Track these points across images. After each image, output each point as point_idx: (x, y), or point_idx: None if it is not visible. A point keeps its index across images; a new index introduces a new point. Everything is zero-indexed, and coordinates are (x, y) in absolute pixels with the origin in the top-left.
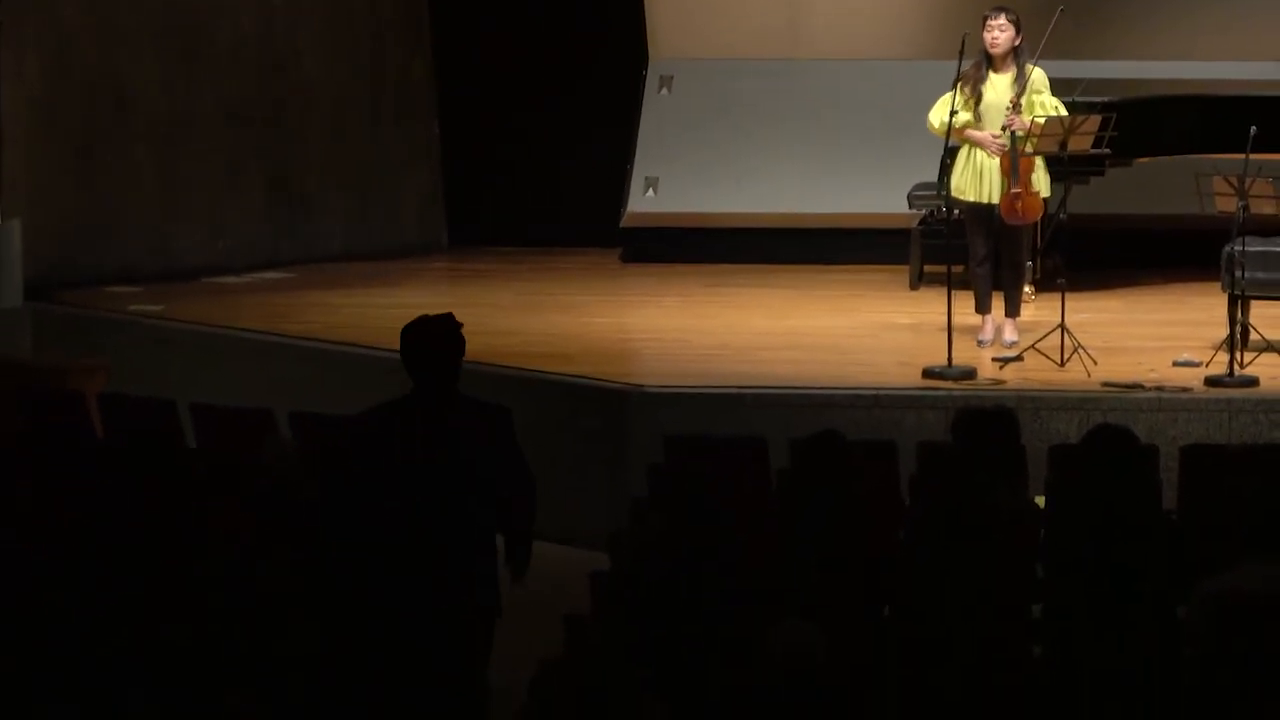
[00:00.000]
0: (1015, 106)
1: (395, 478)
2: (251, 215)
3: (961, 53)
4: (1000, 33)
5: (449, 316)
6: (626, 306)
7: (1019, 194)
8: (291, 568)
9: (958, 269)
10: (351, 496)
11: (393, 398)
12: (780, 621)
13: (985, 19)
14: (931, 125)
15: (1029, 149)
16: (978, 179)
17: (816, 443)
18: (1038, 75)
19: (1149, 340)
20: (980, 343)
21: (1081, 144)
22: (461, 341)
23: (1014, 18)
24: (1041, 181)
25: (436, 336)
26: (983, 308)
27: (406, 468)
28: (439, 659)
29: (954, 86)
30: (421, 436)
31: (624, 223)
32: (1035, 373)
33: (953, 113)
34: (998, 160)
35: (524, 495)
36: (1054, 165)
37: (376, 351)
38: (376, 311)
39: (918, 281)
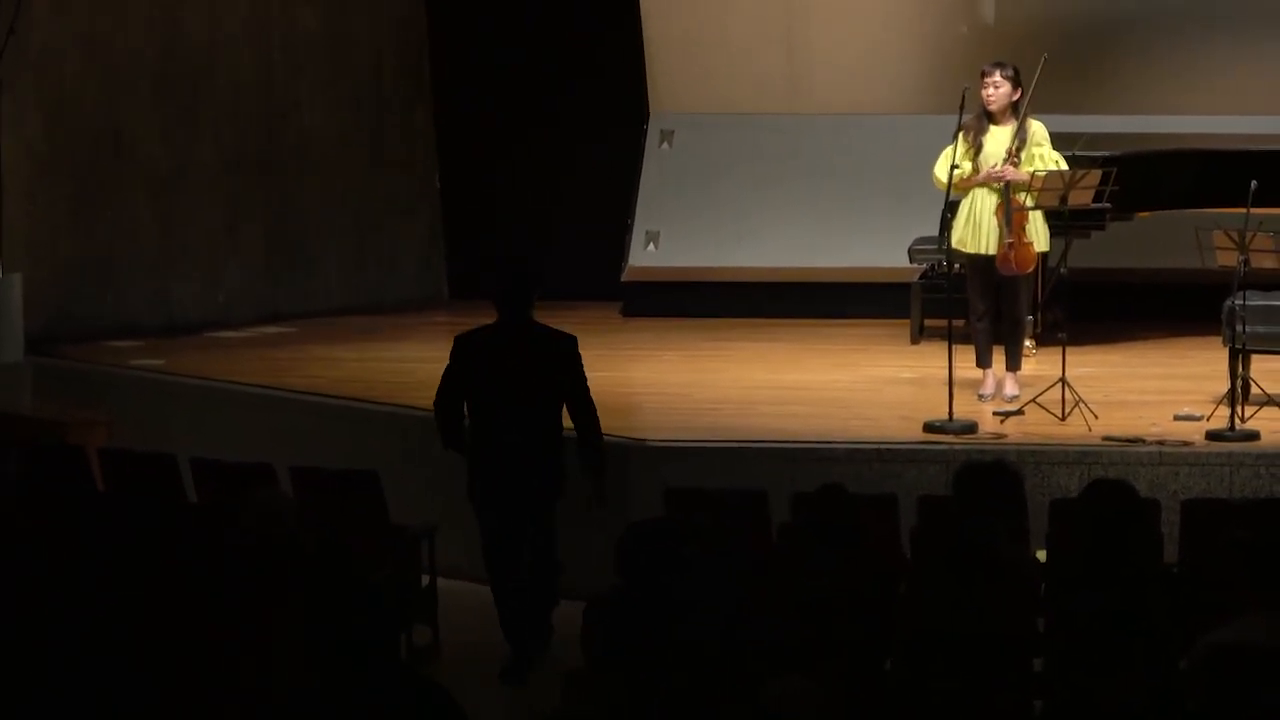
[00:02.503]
0: (1013, 157)
1: (487, 380)
2: (250, 267)
3: (962, 107)
4: (996, 89)
5: (525, 259)
6: (628, 360)
7: (1012, 244)
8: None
9: (958, 323)
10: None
11: (486, 324)
12: (777, 676)
13: (983, 74)
14: (937, 179)
15: (1030, 203)
16: (976, 230)
17: (819, 496)
18: (1038, 128)
19: (1150, 394)
20: (981, 397)
21: (1082, 198)
22: (537, 278)
23: (1010, 73)
24: (1039, 234)
25: (517, 276)
26: (983, 362)
27: (494, 373)
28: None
29: (954, 138)
30: (506, 350)
31: (625, 277)
32: (1036, 427)
33: (954, 166)
34: (994, 212)
35: (590, 406)
36: (1055, 219)
37: (380, 406)
38: (378, 365)
39: (919, 336)
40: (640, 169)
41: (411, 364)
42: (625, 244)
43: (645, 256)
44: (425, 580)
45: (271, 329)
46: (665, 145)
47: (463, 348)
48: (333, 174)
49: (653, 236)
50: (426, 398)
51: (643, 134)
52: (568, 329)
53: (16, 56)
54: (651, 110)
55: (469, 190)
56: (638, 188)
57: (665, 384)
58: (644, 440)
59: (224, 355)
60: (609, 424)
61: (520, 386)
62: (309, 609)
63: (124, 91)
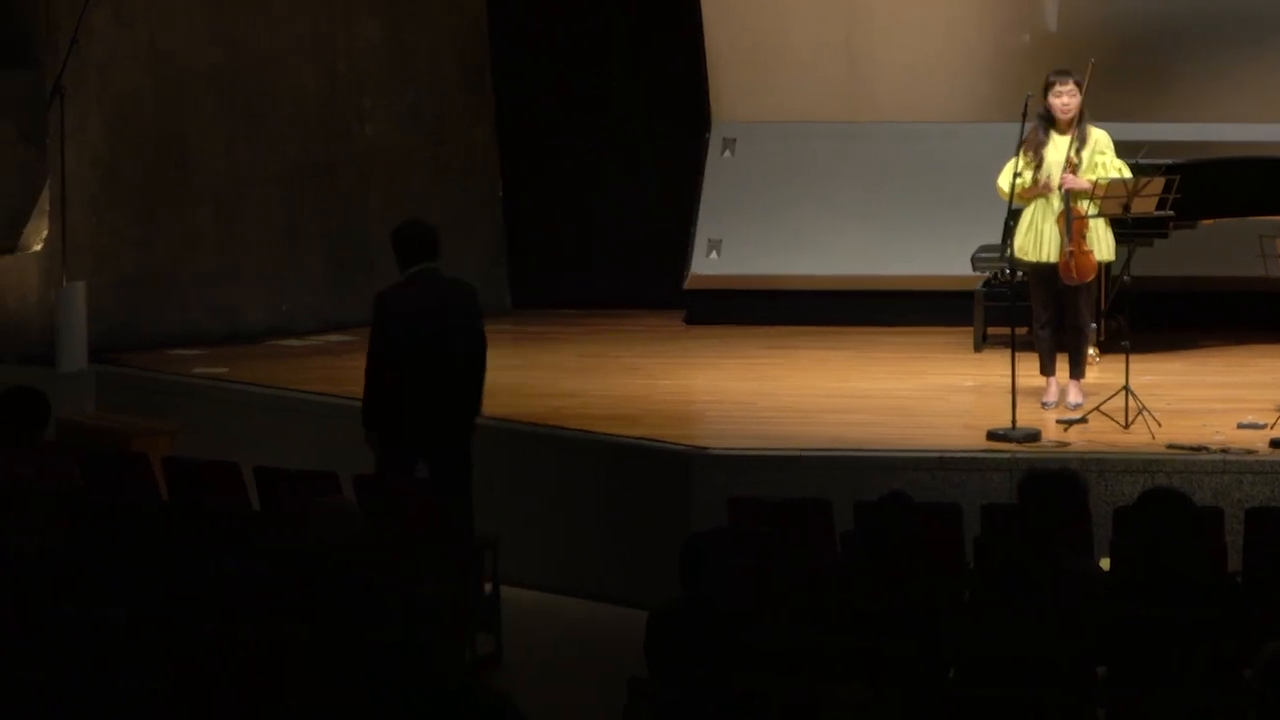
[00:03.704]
0: (1073, 166)
1: (413, 329)
2: (313, 277)
3: (1025, 115)
4: (1070, 98)
5: (419, 220)
6: (690, 368)
7: (1073, 253)
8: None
9: (1021, 331)
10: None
11: (399, 280)
12: (837, 685)
13: (1052, 84)
14: (1001, 191)
15: (1092, 211)
16: (1038, 239)
17: (882, 505)
18: (1102, 136)
19: (1213, 402)
20: (1045, 405)
21: (1145, 206)
22: (434, 234)
23: (1079, 80)
24: (1101, 242)
25: (425, 237)
26: (1047, 370)
27: (418, 321)
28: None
29: (1017, 150)
30: (423, 301)
31: (687, 285)
32: (1099, 435)
33: (1016, 175)
34: (1055, 220)
35: (479, 353)
36: (1118, 227)
37: None
38: None
39: (981, 344)
40: (702, 177)
41: None
42: (687, 252)
43: (707, 265)
44: (488, 588)
45: (334, 337)
46: (727, 154)
47: (383, 309)
48: (395, 183)
49: (715, 244)
50: (491, 406)
51: (705, 142)
52: (630, 336)
53: (79, 67)
54: (714, 119)
55: (531, 199)
56: (700, 196)
57: (727, 392)
58: (706, 449)
59: (287, 364)
60: (672, 432)
61: (436, 334)
62: (373, 617)
63: (186, 102)
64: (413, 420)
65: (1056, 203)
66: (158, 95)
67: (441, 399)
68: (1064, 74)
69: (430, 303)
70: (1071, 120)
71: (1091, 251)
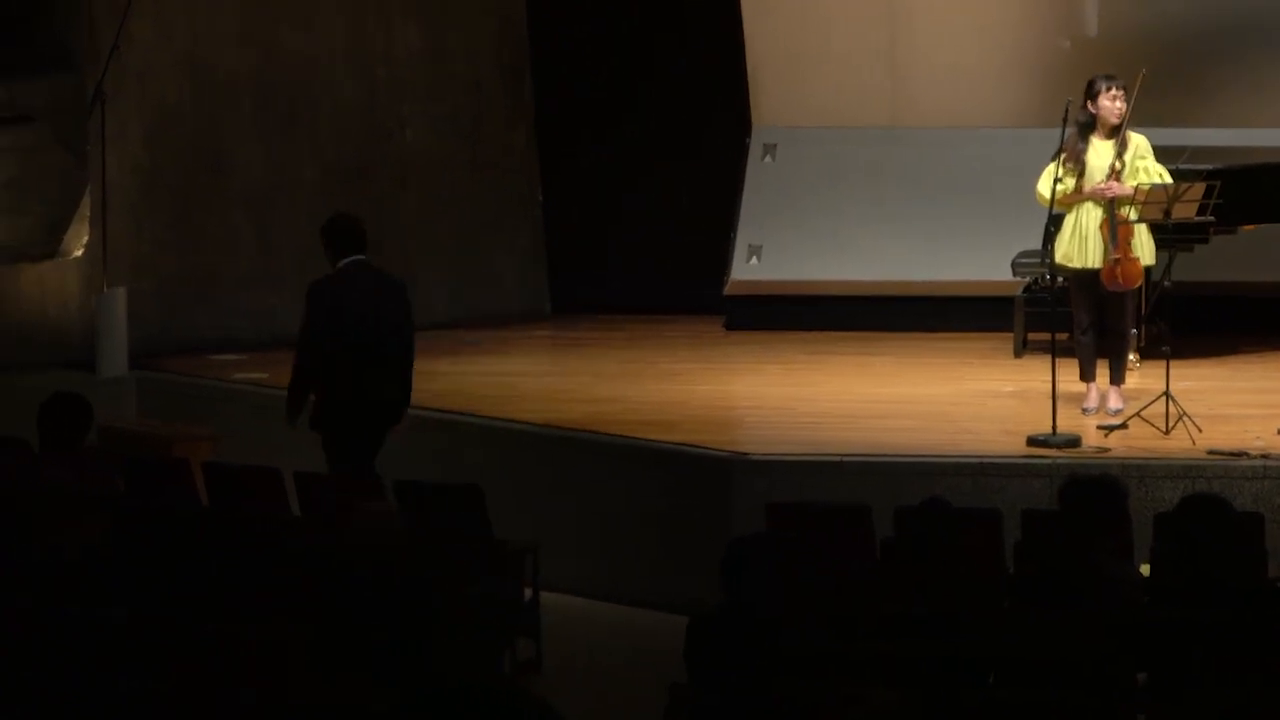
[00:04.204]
0: (1116, 172)
1: (346, 320)
2: None
3: (1065, 120)
4: (1120, 103)
5: (349, 214)
6: (729, 374)
7: (1118, 260)
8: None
9: (1062, 337)
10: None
11: (331, 273)
12: (871, 691)
13: (1100, 90)
14: (1041, 196)
15: (1133, 216)
16: (1082, 245)
17: (922, 511)
18: (1141, 142)
19: (1254, 408)
20: (1085, 410)
21: (1186, 211)
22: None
23: (1124, 84)
24: (1144, 248)
25: (355, 230)
26: (1087, 375)
27: (351, 312)
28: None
29: (1057, 155)
30: (356, 293)
31: (727, 290)
32: (1140, 441)
33: (1056, 181)
34: (1099, 227)
35: (409, 346)
36: (1159, 232)
37: (488, 421)
38: (480, 379)
39: (1022, 349)
40: (743, 182)
41: (511, 377)
42: (728, 257)
43: (747, 270)
44: (528, 594)
45: None
46: (768, 159)
47: (318, 299)
48: (433, 189)
49: (755, 250)
50: (530, 412)
51: (745, 147)
52: (670, 342)
53: (119, 74)
54: (754, 124)
55: (571, 204)
56: (740, 201)
57: (767, 397)
58: (746, 454)
59: None
60: (711, 438)
61: (367, 325)
62: (414, 622)
63: (224, 108)
64: (351, 410)
65: (1099, 210)
66: (196, 102)
67: (377, 388)
68: (1112, 78)
69: (363, 294)
70: (1120, 124)
71: (1138, 259)
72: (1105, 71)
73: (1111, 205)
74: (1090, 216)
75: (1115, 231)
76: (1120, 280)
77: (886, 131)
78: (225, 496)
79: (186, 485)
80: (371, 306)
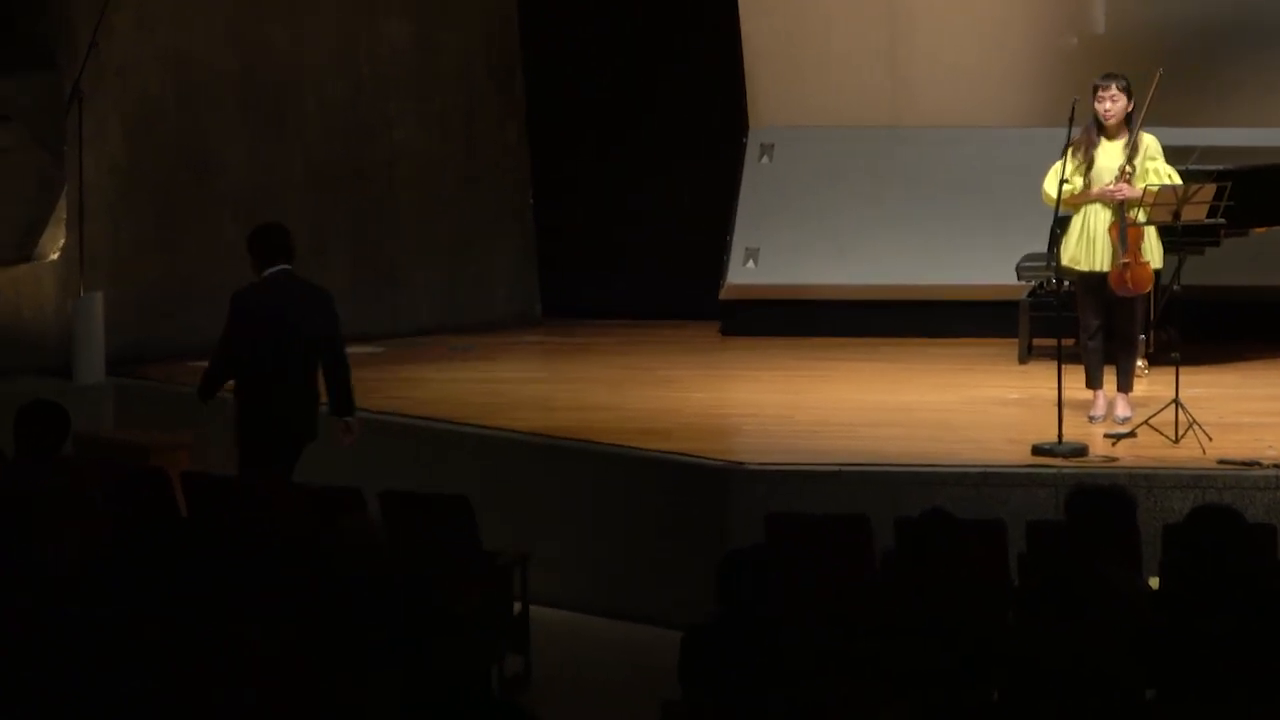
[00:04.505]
0: (1125, 174)
1: (265, 328)
2: (338, 287)
3: (1071, 119)
4: (1113, 103)
5: (277, 223)
6: (726, 381)
7: (1128, 264)
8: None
9: (1068, 342)
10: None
11: (256, 281)
12: (871, 704)
13: (1097, 89)
14: (1047, 196)
15: (1141, 218)
16: (1090, 247)
17: (923, 521)
18: (1150, 142)
19: (1266, 416)
20: (1092, 418)
21: (1196, 213)
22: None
23: (1124, 85)
24: (1153, 251)
25: (282, 240)
26: (1094, 382)
27: (270, 321)
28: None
29: (1064, 154)
30: (280, 302)
31: (723, 294)
32: (1149, 449)
33: (1063, 181)
34: (1108, 230)
35: (343, 356)
36: (1168, 235)
37: (477, 430)
38: (469, 386)
39: (1027, 355)
40: (739, 184)
41: (502, 384)
42: (724, 261)
43: (744, 274)
44: (517, 608)
45: (360, 349)
46: (765, 159)
47: (240, 307)
48: (423, 191)
49: (752, 253)
50: (520, 420)
51: (742, 147)
52: (664, 347)
53: (98, 71)
54: (751, 124)
55: (562, 206)
56: (737, 203)
57: (764, 405)
58: (743, 464)
59: None
60: (707, 447)
61: (290, 337)
62: (399, 638)
63: (208, 108)
64: (266, 421)
65: (1108, 212)
66: (178, 100)
67: (297, 399)
68: (1109, 78)
69: (287, 304)
70: (1117, 125)
71: (1148, 263)
72: (1111, 70)
73: (1121, 208)
74: (1098, 218)
75: (1125, 235)
76: (1130, 285)
77: (887, 132)
78: (204, 507)
79: (165, 495)
80: (296, 317)
